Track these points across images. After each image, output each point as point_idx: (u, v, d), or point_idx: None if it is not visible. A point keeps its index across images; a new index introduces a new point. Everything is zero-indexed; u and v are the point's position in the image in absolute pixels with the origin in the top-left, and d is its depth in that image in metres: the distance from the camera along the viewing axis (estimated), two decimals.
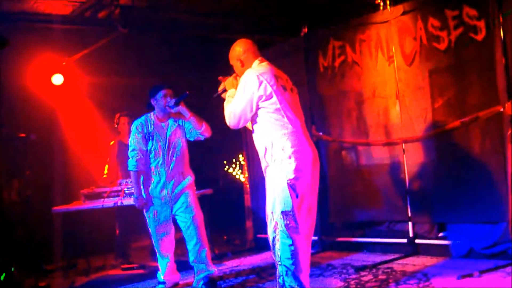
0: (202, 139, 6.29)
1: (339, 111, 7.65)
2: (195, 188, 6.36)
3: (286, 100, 4.82)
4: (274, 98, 4.76)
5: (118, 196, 7.28)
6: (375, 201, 7.33)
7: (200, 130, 6.17)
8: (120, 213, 7.99)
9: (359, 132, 7.45)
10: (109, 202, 7.28)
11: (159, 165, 6.13)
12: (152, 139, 6.13)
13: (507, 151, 5.92)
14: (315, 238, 7.84)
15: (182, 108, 6.05)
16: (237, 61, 5.22)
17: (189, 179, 6.25)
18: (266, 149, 4.83)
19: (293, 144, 4.74)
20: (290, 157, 4.66)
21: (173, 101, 6.04)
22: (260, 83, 4.77)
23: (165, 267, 6.42)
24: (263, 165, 4.96)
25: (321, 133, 7.76)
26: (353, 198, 7.59)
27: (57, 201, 8.16)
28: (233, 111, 4.86)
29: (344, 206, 7.73)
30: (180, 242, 8.22)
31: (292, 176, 4.68)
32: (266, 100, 4.75)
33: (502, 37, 5.85)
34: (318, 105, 7.89)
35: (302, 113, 5.06)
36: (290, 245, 4.69)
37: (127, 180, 7.42)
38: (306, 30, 8.02)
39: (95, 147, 8.99)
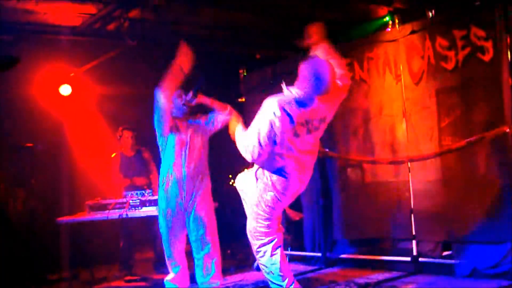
0: None
1: (346, 128, 7.67)
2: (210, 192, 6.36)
3: None
4: None
5: (123, 208, 7.30)
6: (379, 219, 7.32)
7: (227, 111, 6.21)
8: (125, 225, 7.99)
9: (365, 149, 7.46)
10: (114, 214, 7.29)
11: (177, 165, 6.11)
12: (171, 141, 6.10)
13: None
14: (319, 254, 7.85)
15: (201, 97, 6.05)
16: None
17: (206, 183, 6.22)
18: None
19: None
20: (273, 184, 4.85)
21: (190, 94, 6.03)
22: None
23: (176, 271, 6.36)
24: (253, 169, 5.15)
25: (327, 150, 7.76)
26: (358, 215, 7.59)
27: (63, 211, 8.19)
28: None
29: (348, 223, 7.72)
30: (186, 254, 8.24)
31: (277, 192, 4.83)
32: None
33: (509, 58, 5.88)
34: None
35: None
36: None
37: (132, 192, 7.44)
38: None
39: (101, 158, 9.00)
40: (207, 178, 6.38)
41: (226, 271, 8.00)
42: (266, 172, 5.01)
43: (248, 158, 4.85)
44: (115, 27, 7.77)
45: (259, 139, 4.77)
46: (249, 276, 7.52)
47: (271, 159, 4.99)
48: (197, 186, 6.22)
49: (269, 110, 4.74)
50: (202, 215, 6.25)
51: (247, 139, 4.87)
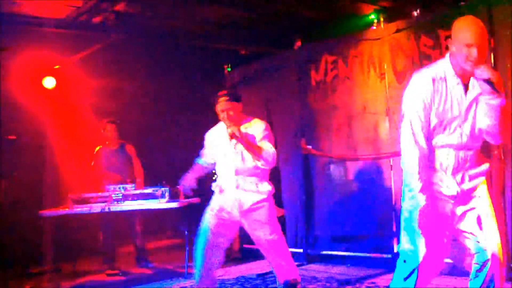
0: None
1: (329, 125, 7.70)
2: None
3: None
4: None
5: (106, 201, 7.28)
6: (361, 215, 7.37)
7: (260, 162, 5.27)
8: (104, 218, 7.98)
9: (348, 146, 7.50)
10: (96, 208, 7.27)
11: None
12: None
13: (492, 171, 5.98)
14: (300, 250, 7.88)
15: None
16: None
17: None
18: None
19: None
20: None
21: None
22: None
23: None
24: None
25: (310, 147, 7.80)
26: (340, 211, 7.62)
27: (46, 204, 8.16)
28: None
29: (330, 219, 7.76)
30: (164, 249, 8.28)
31: None
32: None
33: (492, 59, 5.93)
34: (308, 118, 7.94)
35: None
36: None
37: (115, 186, 7.43)
38: (299, 43, 8.09)
39: (85, 151, 8.97)
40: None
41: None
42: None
43: None
44: (101, 20, 7.74)
45: None
46: (231, 271, 7.55)
47: None
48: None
49: None
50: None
51: None
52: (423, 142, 3.69)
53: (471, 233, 3.72)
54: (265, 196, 5.30)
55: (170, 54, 9.58)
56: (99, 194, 7.44)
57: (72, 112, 9.60)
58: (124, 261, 8.52)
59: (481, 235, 3.68)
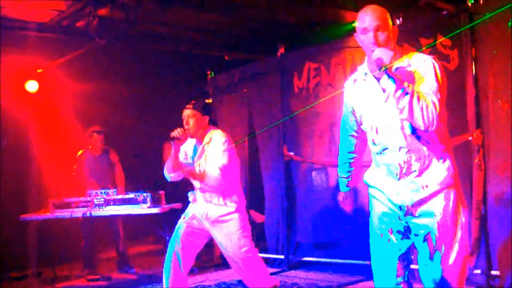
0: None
1: (311, 132, 7.73)
2: None
3: None
4: None
5: (87, 206, 7.26)
6: (343, 222, 7.38)
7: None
8: (85, 223, 7.96)
9: (330, 153, 7.52)
10: (78, 212, 7.25)
11: None
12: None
13: (473, 178, 6.03)
14: (282, 257, 7.89)
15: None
16: (391, 30, 3.55)
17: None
18: None
19: None
20: None
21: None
22: None
23: None
24: None
25: (292, 153, 7.82)
26: (321, 218, 7.65)
27: (28, 209, 8.12)
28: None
29: (311, 226, 7.79)
30: (146, 255, 8.23)
31: None
32: None
33: (473, 69, 5.99)
34: (290, 125, 7.96)
35: None
36: None
37: (97, 191, 7.41)
38: (282, 50, 8.11)
39: (68, 156, 8.94)
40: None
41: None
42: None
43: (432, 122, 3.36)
44: (84, 24, 7.73)
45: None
46: (212, 277, 7.54)
47: None
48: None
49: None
50: None
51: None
52: (343, 144, 4.01)
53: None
54: (232, 209, 5.34)
55: (154, 59, 9.57)
56: (81, 199, 7.42)
57: (55, 116, 9.57)
58: (105, 266, 8.51)
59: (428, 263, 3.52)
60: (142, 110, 10.71)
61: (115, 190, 7.49)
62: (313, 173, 7.79)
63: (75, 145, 8.81)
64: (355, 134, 3.85)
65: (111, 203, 7.30)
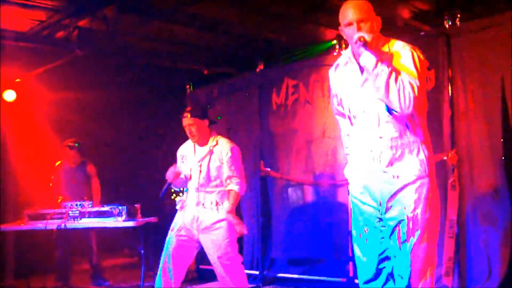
0: None
1: (289, 148, 7.76)
2: None
3: None
4: None
5: (62, 218, 7.20)
6: (318, 239, 7.41)
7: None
8: (62, 235, 7.89)
9: (306, 170, 7.55)
10: (52, 224, 7.19)
11: None
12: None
13: (448, 198, 6.09)
14: (257, 272, 7.89)
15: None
16: (375, 21, 3.65)
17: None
18: None
19: None
20: None
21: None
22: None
23: None
24: None
25: (269, 169, 7.84)
26: (297, 234, 7.66)
27: (7, 219, 8.03)
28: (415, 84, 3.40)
29: (287, 242, 7.80)
30: (121, 267, 8.17)
31: None
32: None
33: (449, 90, 6.07)
34: (268, 141, 7.99)
35: None
36: None
37: (72, 203, 7.36)
38: (262, 66, 8.14)
39: (44, 167, 8.88)
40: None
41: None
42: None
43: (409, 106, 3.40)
44: (64, 35, 7.71)
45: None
46: None
47: None
48: None
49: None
50: None
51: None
52: (341, 126, 3.99)
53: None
54: (223, 216, 5.34)
55: (133, 71, 9.56)
56: (56, 210, 7.36)
57: (32, 126, 9.50)
58: (79, 279, 8.43)
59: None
60: (121, 121, 10.68)
61: (91, 202, 7.43)
62: (289, 189, 7.81)
63: (52, 156, 8.75)
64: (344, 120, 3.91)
65: (86, 216, 7.23)
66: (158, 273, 5.41)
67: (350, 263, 6.97)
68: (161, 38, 8.32)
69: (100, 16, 7.28)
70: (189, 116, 5.40)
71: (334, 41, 7.70)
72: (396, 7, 7.20)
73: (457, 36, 6.15)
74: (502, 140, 5.86)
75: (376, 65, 3.35)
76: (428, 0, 7.06)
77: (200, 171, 5.37)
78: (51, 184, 8.37)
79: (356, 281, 6.81)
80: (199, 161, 5.41)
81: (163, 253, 5.43)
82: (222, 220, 5.33)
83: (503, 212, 5.84)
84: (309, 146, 7.54)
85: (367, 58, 3.40)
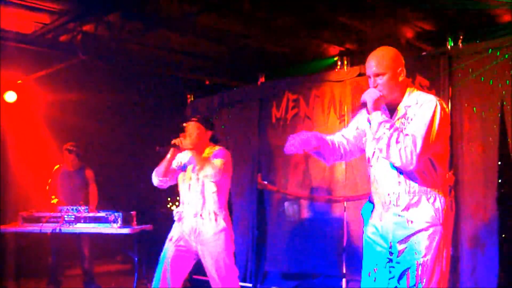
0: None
1: (287, 162, 7.75)
2: None
3: None
4: None
5: (57, 222, 7.19)
6: (312, 254, 7.40)
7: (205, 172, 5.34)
8: (55, 239, 7.88)
9: (304, 185, 7.55)
10: (47, 228, 7.18)
11: None
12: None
13: None
14: (250, 285, 7.87)
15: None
16: (396, 72, 3.64)
17: None
18: None
19: None
20: None
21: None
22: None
23: None
24: None
25: (266, 182, 7.84)
26: (291, 249, 7.65)
27: (6, 220, 8.00)
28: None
29: (281, 256, 7.78)
30: (114, 274, 8.14)
31: None
32: None
33: (449, 109, 6.07)
34: (266, 154, 7.99)
35: None
36: None
37: (68, 207, 7.35)
38: (263, 79, 8.16)
39: (42, 169, 8.87)
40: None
41: None
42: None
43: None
44: (68, 39, 7.73)
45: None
46: None
47: None
48: None
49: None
50: None
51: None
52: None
53: None
54: (221, 227, 5.32)
55: (135, 78, 9.59)
56: (51, 214, 7.35)
57: (33, 128, 9.50)
58: (71, 283, 8.40)
59: None
60: (121, 127, 10.68)
61: (87, 207, 7.43)
62: (286, 203, 7.80)
63: (51, 159, 8.76)
64: (346, 143, 3.96)
65: (82, 221, 7.22)
66: (155, 282, 5.36)
67: (343, 280, 6.95)
68: (164, 47, 8.35)
69: (104, 21, 7.31)
70: (196, 120, 5.42)
71: (336, 58, 7.73)
72: (400, 26, 7.26)
73: (458, 57, 6.17)
74: (498, 164, 5.87)
75: (378, 128, 3.46)
76: (431, 20, 7.11)
77: (197, 179, 5.35)
78: (48, 188, 8.35)
79: None
80: (195, 170, 5.35)
81: (161, 262, 5.38)
82: (221, 231, 5.32)
83: (491, 237, 5.86)
84: (307, 160, 7.53)
85: (372, 121, 3.52)
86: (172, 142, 5.24)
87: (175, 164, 5.49)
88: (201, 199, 5.34)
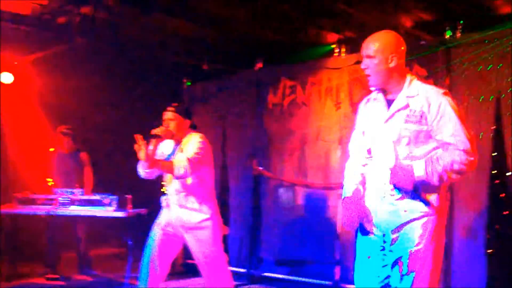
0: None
1: (282, 149, 7.77)
2: None
3: None
4: None
5: (52, 204, 7.19)
6: (306, 241, 7.43)
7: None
8: (52, 221, 7.89)
9: (299, 172, 7.56)
10: (42, 210, 7.18)
11: None
12: None
13: None
14: (243, 270, 7.90)
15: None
16: (386, 58, 3.60)
17: None
18: None
19: None
20: None
21: None
22: None
23: None
24: None
25: (261, 168, 7.85)
26: (286, 235, 7.68)
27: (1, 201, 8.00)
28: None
29: (276, 242, 7.81)
30: (108, 258, 8.13)
31: None
32: None
33: None
34: (262, 140, 7.99)
35: None
36: None
37: (63, 189, 7.35)
38: (261, 65, 8.15)
39: (37, 151, 8.86)
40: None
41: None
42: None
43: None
44: (65, 21, 7.69)
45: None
46: (172, 285, 7.52)
47: None
48: None
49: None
50: None
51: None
52: (349, 161, 3.93)
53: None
54: (207, 215, 5.29)
55: (133, 62, 9.55)
56: (46, 196, 7.35)
57: (29, 110, 9.46)
58: (66, 267, 8.38)
59: None
60: (117, 111, 10.64)
61: (82, 190, 7.44)
62: (281, 190, 7.82)
63: (47, 141, 8.73)
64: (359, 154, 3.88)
65: (76, 203, 7.23)
66: (142, 265, 5.35)
67: (337, 266, 6.98)
68: (161, 31, 8.31)
69: (103, 5, 7.27)
70: (173, 110, 5.34)
71: (334, 45, 7.73)
72: (399, 15, 7.24)
73: (457, 47, 6.18)
74: (492, 155, 5.89)
75: (430, 177, 3.44)
76: (430, 10, 7.09)
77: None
78: (43, 170, 8.34)
79: (342, 284, 6.87)
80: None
81: (148, 246, 5.36)
82: (207, 219, 5.30)
83: (483, 227, 5.91)
84: (303, 147, 7.55)
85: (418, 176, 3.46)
86: (152, 132, 5.21)
87: (159, 153, 5.46)
88: (184, 191, 5.30)
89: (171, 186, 5.37)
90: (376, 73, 3.59)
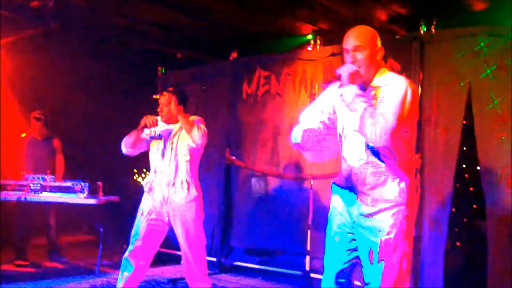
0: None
1: (255, 139, 7.78)
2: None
3: None
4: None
5: (22, 190, 7.15)
6: (277, 231, 7.46)
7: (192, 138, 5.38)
8: (19, 207, 7.83)
9: (272, 162, 7.59)
10: (12, 196, 7.14)
11: None
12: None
13: None
14: (214, 259, 7.92)
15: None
16: (375, 50, 3.70)
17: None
18: None
19: None
20: None
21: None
22: None
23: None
24: None
25: (234, 157, 7.86)
26: (257, 225, 7.70)
27: None
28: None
29: (247, 231, 7.83)
30: (78, 245, 8.07)
31: None
32: None
33: (419, 93, 6.14)
34: (236, 130, 7.99)
35: None
36: None
37: (34, 176, 7.30)
38: (235, 55, 8.15)
39: (7, 137, 8.77)
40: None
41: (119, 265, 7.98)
42: None
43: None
44: (39, 5, 7.59)
45: None
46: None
47: None
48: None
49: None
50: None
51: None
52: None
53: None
54: (192, 197, 5.36)
55: (107, 48, 9.48)
56: (17, 182, 7.31)
57: (0, 94, 9.36)
58: (36, 253, 8.35)
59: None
60: (90, 97, 10.57)
61: (53, 176, 7.40)
62: (253, 179, 7.84)
63: (19, 127, 8.65)
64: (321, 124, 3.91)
65: (47, 190, 7.21)
66: (126, 256, 5.33)
67: (307, 257, 7.03)
68: (137, 18, 8.26)
69: None
70: (168, 94, 5.43)
71: (310, 36, 7.75)
72: (374, 9, 7.28)
73: (430, 42, 6.23)
74: (459, 151, 5.96)
75: (353, 100, 3.50)
76: (406, 4, 7.14)
77: (172, 148, 5.36)
78: (14, 156, 8.27)
79: (312, 275, 6.92)
80: (170, 139, 5.38)
81: (133, 237, 5.33)
82: (192, 201, 5.35)
83: (446, 218, 6.00)
84: (276, 138, 7.57)
85: (347, 92, 3.54)
86: (143, 124, 5.27)
87: (147, 132, 5.47)
88: (174, 167, 5.34)
89: (160, 164, 5.39)
90: (367, 66, 3.64)
